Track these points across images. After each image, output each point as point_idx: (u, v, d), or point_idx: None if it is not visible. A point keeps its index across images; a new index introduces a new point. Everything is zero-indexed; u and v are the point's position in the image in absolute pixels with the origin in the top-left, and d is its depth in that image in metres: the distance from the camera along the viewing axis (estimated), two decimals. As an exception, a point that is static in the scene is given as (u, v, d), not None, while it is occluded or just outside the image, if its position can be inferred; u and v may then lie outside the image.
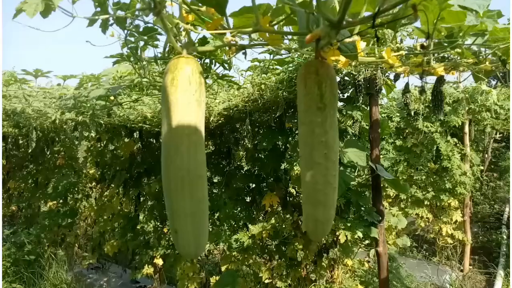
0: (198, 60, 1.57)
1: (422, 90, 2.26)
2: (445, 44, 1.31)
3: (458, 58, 1.43)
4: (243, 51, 0.94)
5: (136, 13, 1.19)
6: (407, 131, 6.00)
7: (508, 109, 5.00)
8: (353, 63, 1.69)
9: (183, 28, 0.89)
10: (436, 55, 1.56)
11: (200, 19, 0.96)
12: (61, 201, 5.41)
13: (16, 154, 6.02)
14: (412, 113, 5.41)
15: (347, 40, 0.77)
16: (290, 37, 1.45)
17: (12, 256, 5.40)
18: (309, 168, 0.87)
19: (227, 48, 0.97)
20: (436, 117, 5.22)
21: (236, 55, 1.49)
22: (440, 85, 1.75)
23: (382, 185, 2.96)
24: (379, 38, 0.75)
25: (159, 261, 4.12)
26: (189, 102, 0.79)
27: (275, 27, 1.00)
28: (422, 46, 0.95)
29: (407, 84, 1.98)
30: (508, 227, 7.11)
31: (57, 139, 5.30)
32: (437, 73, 1.46)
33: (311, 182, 0.86)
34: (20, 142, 5.65)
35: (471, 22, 1.05)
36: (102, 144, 4.77)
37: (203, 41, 1.43)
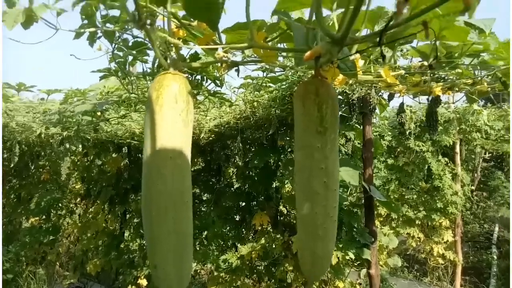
0: (189, 76, 1.51)
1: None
2: (444, 65, 1.28)
3: (457, 78, 1.40)
4: (236, 68, 0.88)
5: (125, 26, 1.13)
6: (398, 150, 6.01)
7: (498, 130, 5.04)
8: (350, 81, 1.66)
9: (172, 43, 0.83)
10: (432, 75, 1.53)
11: (191, 34, 0.91)
12: (43, 217, 5.22)
13: (-2, 168, 5.82)
14: (407, 133, 5.41)
15: (350, 57, 0.72)
16: (284, 54, 1.41)
17: (-11, 275, 5.17)
18: (307, 199, 0.79)
19: (219, 64, 0.92)
20: (431, 137, 5.23)
21: (229, 72, 1.43)
22: (436, 105, 1.72)
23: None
24: (385, 56, 0.69)
25: (143, 282, 3.97)
26: (175, 122, 0.72)
27: (269, 44, 0.95)
28: (430, 66, 0.90)
29: (401, 104, 1.95)
30: (498, 248, 7.10)
31: (42, 153, 5.16)
32: (435, 93, 1.43)
33: (309, 214, 0.79)
34: (4, 155, 5.47)
35: (473, 39, 1.02)
36: (89, 159, 4.65)
37: (195, 57, 1.37)
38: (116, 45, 1.24)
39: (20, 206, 5.59)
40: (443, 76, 1.68)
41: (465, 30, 0.99)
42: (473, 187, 6.67)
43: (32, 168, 5.45)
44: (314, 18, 0.65)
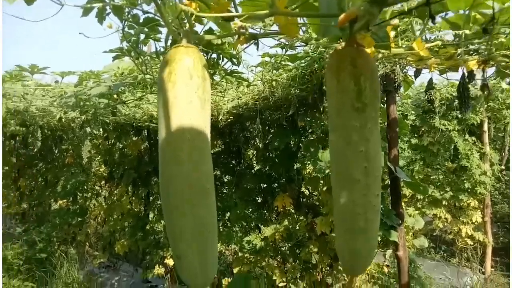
0: (204, 55, 1.44)
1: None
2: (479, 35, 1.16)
3: (495, 50, 1.27)
4: (255, 41, 0.80)
5: (135, 1, 1.07)
6: (422, 129, 5.79)
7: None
8: (379, 55, 1.54)
9: (184, 10, 0.75)
10: (466, 48, 1.40)
11: (203, 3, 0.83)
12: (70, 199, 5.38)
13: (25, 153, 6.01)
14: (435, 111, 5.18)
15: (392, 22, 0.62)
16: (305, 28, 1.31)
17: (24, 254, 5.40)
18: (345, 187, 0.70)
19: (235, 38, 0.84)
20: (463, 114, 5.00)
21: (247, 46, 1.35)
22: (470, 80, 1.58)
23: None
24: (434, 18, 0.59)
25: (170, 261, 4.04)
26: (191, 100, 0.64)
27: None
28: (484, 30, 0.78)
29: (430, 80, 1.82)
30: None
31: (65, 137, 5.26)
32: (469, 67, 1.31)
33: (348, 204, 0.69)
34: (29, 140, 5.62)
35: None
36: (110, 143, 4.71)
37: (210, 34, 1.30)
38: (127, 23, 1.18)
39: (48, 189, 5.78)
40: (476, 49, 1.54)
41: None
42: (503, 167, 6.38)
43: (56, 152, 5.58)
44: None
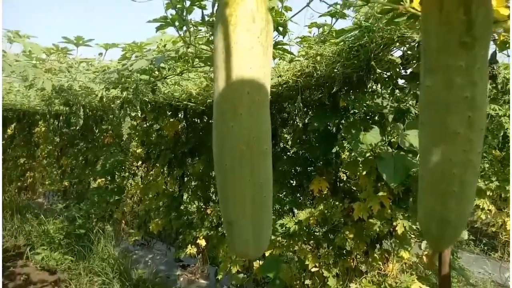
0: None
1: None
2: None
3: None
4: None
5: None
6: (469, 114, 5.47)
7: None
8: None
9: None
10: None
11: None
12: (109, 178, 5.55)
13: (67, 132, 6.24)
14: (499, 87, 4.84)
15: None
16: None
17: (65, 229, 5.67)
18: (439, 141, 0.58)
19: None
20: None
21: (292, 16, 1.27)
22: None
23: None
24: None
25: (202, 242, 4.09)
26: (252, 46, 0.57)
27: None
28: None
29: (494, 53, 1.66)
30: None
31: (105, 117, 5.41)
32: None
33: (441, 162, 0.57)
34: (72, 120, 5.83)
35: None
36: (148, 124, 4.78)
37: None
38: (173, -13, 1.13)
39: (88, 167, 6.00)
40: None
41: None
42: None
43: (97, 131, 5.76)
44: None
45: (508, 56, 1.81)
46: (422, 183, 0.61)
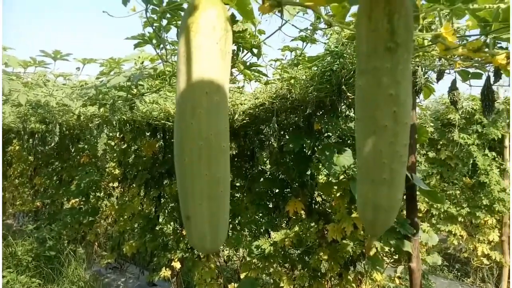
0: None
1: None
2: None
3: (524, 45, 1.24)
4: (279, 8, 0.79)
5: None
6: (441, 142, 5.68)
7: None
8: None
9: None
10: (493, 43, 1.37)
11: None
12: (83, 199, 5.43)
13: (42, 151, 6.11)
14: (455, 117, 5.08)
15: None
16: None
17: (33, 251, 5.45)
18: (370, 134, 0.66)
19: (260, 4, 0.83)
20: (487, 118, 4.90)
21: (265, 38, 1.34)
22: (495, 80, 1.54)
23: (414, 197, 2.74)
24: None
25: (177, 264, 4.01)
26: (212, 52, 0.63)
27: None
28: None
29: (454, 81, 1.78)
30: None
31: (82, 137, 5.35)
32: (497, 62, 1.27)
33: (372, 153, 0.65)
34: (47, 139, 5.73)
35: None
36: (126, 143, 4.76)
37: (231, 18, 1.30)
38: (150, 6, 1.18)
39: (62, 187, 5.86)
40: (505, 47, 1.51)
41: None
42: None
43: (73, 151, 5.67)
44: None
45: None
46: (359, 173, 0.68)
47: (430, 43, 1.13)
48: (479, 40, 1.13)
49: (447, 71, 2.02)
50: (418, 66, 2.04)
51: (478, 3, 1.15)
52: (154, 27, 1.32)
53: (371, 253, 2.62)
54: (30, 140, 5.79)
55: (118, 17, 1.10)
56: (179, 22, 1.35)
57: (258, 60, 1.59)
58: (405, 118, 0.63)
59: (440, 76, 2.01)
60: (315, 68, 1.93)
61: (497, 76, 1.47)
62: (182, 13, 1.18)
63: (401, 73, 0.61)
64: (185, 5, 1.21)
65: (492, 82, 1.61)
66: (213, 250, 0.67)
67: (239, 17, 1.30)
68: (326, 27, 1.18)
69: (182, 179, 0.64)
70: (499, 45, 1.47)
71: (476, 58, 1.22)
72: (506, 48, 1.43)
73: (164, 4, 1.20)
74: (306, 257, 3.11)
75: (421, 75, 2.15)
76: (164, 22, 1.30)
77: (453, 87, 1.74)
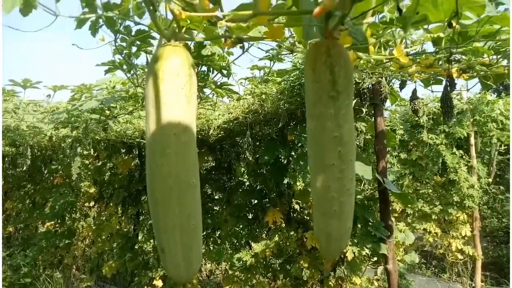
0: (195, 68, 1.48)
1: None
2: (458, 44, 1.23)
3: (471, 59, 1.34)
4: (241, 44, 0.84)
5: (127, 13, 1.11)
6: (411, 143, 5.89)
7: (515, 120, 4.90)
8: (360, 67, 1.61)
9: (171, 10, 0.79)
10: (447, 57, 1.47)
11: (190, 8, 0.87)
12: (58, 221, 5.28)
13: (13, 174, 5.92)
14: (421, 121, 5.30)
15: (365, 20, 0.68)
16: (292, 40, 1.37)
17: (7, 280, 5.23)
18: (320, 172, 0.73)
19: (223, 42, 0.88)
20: (446, 124, 5.12)
21: (234, 59, 1.40)
22: (451, 89, 1.65)
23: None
24: (401, 11, 0.65)
25: (159, 283, 3.96)
26: (177, 97, 0.68)
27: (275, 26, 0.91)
28: (450, 25, 0.85)
29: (414, 90, 1.89)
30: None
31: (54, 157, 5.22)
32: (449, 75, 1.37)
33: (323, 189, 0.72)
34: (18, 161, 5.56)
35: (490, 13, 0.97)
36: (101, 162, 4.68)
37: (199, 46, 1.34)
38: (119, 35, 1.22)
39: (35, 211, 5.67)
40: (457, 58, 1.62)
41: (480, 4, 0.95)
42: (490, 180, 6.49)
43: (45, 172, 5.52)
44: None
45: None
46: (313, 204, 0.75)
47: (386, 58, 1.21)
48: (430, 57, 1.22)
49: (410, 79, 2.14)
50: (381, 77, 2.15)
51: (430, 20, 1.24)
52: (123, 54, 1.35)
53: (349, 258, 2.70)
54: (-1, 163, 5.60)
55: (87, 49, 1.12)
56: (148, 48, 1.39)
57: (228, 79, 1.64)
58: (350, 156, 0.70)
59: (402, 85, 2.12)
60: (284, 83, 2.00)
61: (452, 86, 1.58)
62: (151, 51, 1.22)
63: (343, 117, 0.68)
64: (154, 34, 1.25)
65: (449, 91, 1.72)
66: (188, 279, 0.71)
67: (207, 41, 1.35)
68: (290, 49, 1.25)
69: (155, 214, 0.69)
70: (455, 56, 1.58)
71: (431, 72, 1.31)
72: (459, 61, 1.54)
73: (133, 33, 1.23)
74: (288, 266, 3.16)
75: (385, 85, 2.26)
76: (134, 49, 1.34)
77: (414, 97, 1.85)
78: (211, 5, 0.82)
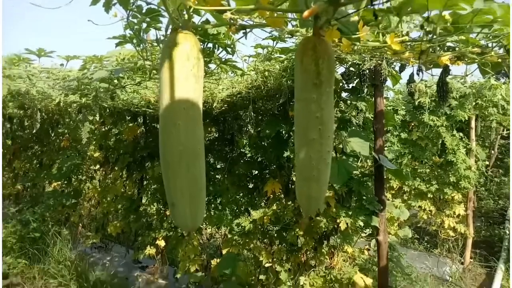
0: (201, 44, 1.56)
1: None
2: (450, 33, 1.29)
3: (464, 47, 1.41)
4: (244, 31, 0.93)
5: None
6: (412, 124, 5.96)
7: (516, 105, 4.93)
8: (359, 51, 1.67)
9: (184, 7, 0.88)
10: (441, 44, 1.54)
11: None
12: (65, 182, 5.48)
13: (21, 135, 6.07)
14: (416, 103, 5.36)
15: (351, 19, 0.76)
16: (294, 23, 1.43)
17: (17, 233, 5.50)
18: (304, 145, 0.88)
19: (227, 28, 0.97)
20: (441, 108, 5.17)
21: (239, 38, 1.47)
22: (445, 75, 1.72)
23: (385, 177, 2.96)
24: (377, 16, 0.74)
25: (161, 243, 4.18)
26: (187, 77, 0.79)
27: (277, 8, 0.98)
28: (421, 27, 0.94)
29: (411, 74, 1.96)
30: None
31: (61, 121, 5.34)
32: (442, 62, 1.44)
33: (305, 158, 0.87)
34: (26, 123, 5.70)
35: (479, 6, 1.03)
36: (106, 128, 4.80)
37: (205, 23, 1.42)
38: (131, 12, 1.29)
39: (43, 171, 5.87)
40: (452, 46, 1.68)
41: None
42: (488, 163, 6.59)
43: (52, 135, 5.66)
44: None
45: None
46: (297, 173, 0.91)
47: (380, 46, 1.28)
48: (424, 44, 1.29)
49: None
50: (382, 59, 2.20)
51: (429, 7, 1.30)
52: (134, 29, 1.42)
53: (343, 228, 2.85)
54: (8, 125, 5.75)
55: (101, 24, 1.19)
56: (158, 25, 1.46)
57: (232, 56, 1.72)
58: (328, 133, 0.84)
59: (402, 69, 2.18)
60: (287, 61, 2.07)
61: (446, 72, 1.65)
62: (160, 27, 1.29)
63: (324, 102, 0.81)
64: (163, 12, 1.32)
65: (444, 76, 1.80)
66: (194, 228, 0.86)
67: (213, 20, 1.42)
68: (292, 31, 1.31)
69: (167, 175, 0.82)
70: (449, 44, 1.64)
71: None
72: (454, 49, 1.60)
73: (144, 10, 1.31)
74: (284, 233, 3.33)
75: (386, 67, 2.31)
76: (144, 25, 1.41)
77: (410, 80, 1.92)
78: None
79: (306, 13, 0.63)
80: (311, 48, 0.83)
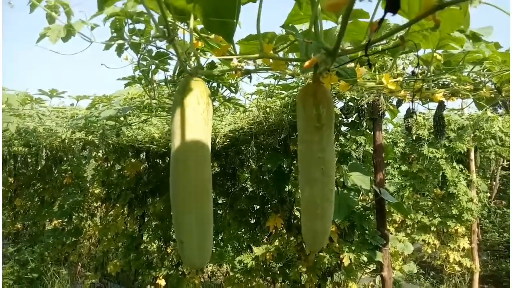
0: (206, 83, 1.64)
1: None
2: (443, 71, 1.37)
3: (456, 84, 1.48)
4: (249, 75, 0.99)
5: (150, 39, 1.27)
6: (412, 156, 6.01)
7: (513, 136, 5.00)
8: (356, 88, 1.75)
9: (193, 53, 0.95)
10: (435, 81, 1.62)
11: (208, 45, 1.03)
12: (66, 219, 5.44)
13: (24, 173, 6.10)
14: (414, 137, 5.44)
15: (347, 65, 0.82)
16: (294, 62, 1.52)
17: (15, 274, 5.39)
18: (307, 183, 0.93)
19: (233, 72, 1.03)
20: (438, 142, 5.24)
21: (242, 78, 1.55)
22: (441, 110, 1.79)
23: (388, 210, 2.96)
24: (371, 65, 0.81)
25: (162, 282, 4.10)
26: (197, 121, 0.85)
27: (281, 53, 1.06)
28: (413, 73, 1.01)
29: (408, 109, 2.03)
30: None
31: (65, 158, 5.39)
32: (437, 99, 1.51)
33: (309, 196, 0.92)
34: (29, 160, 5.75)
35: (468, 48, 1.11)
36: (109, 164, 4.85)
37: (211, 65, 1.50)
38: (141, 55, 1.37)
39: (44, 209, 5.84)
40: (446, 82, 1.76)
41: (460, 40, 1.09)
42: (489, 194, 6.56)
43: (55, 172, 5.69)
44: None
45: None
46: (301, 209, 0.94)
47: (376, 86, 1.35)
48: (418, 83, 1.36)
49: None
50: (380, 95, 2.29)
51: (421, 47, 1.39)
52: (143, 71, 1.50)
53: (346, 264, 2.82)
54: (12, 162, 5.80)
55: (113, 68, 1.27)
56: (166, 66, 1.54)
57: (236, 94, 1.79)
58: (330, 172, 0.89)
59: (399, 104, 2.26)
60: (288, 98, 2.15)
61: (441, 108, 1.72)
62: (168, 68, 1.37)
63: (326, 143, 0.87)
64: (172, 55, 1.40)
65: (440, 111, 1.86)
66: (202, 266, 0.88)
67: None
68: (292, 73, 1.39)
69: (176, 213, 0.86)
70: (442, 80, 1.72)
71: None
72: (448, 85, 1.68)
73: (154, 53, 1.39)
74: (287, 270, 3.28)
75: (383, 102, 2.39)
76: (153, 67, 1.49)
77: (408, 115, 1.98)
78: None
79: (306, 64, 0.70)
80: (311, 95, 0.90)
